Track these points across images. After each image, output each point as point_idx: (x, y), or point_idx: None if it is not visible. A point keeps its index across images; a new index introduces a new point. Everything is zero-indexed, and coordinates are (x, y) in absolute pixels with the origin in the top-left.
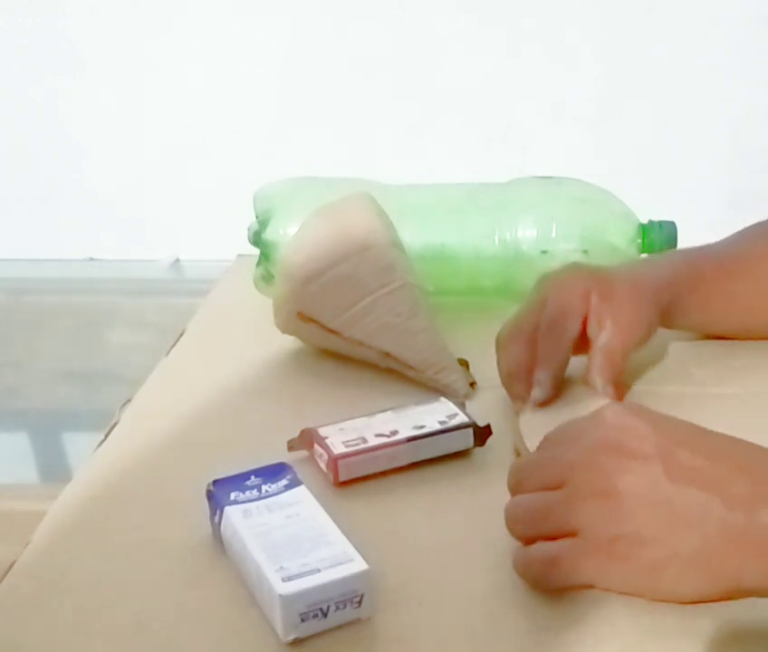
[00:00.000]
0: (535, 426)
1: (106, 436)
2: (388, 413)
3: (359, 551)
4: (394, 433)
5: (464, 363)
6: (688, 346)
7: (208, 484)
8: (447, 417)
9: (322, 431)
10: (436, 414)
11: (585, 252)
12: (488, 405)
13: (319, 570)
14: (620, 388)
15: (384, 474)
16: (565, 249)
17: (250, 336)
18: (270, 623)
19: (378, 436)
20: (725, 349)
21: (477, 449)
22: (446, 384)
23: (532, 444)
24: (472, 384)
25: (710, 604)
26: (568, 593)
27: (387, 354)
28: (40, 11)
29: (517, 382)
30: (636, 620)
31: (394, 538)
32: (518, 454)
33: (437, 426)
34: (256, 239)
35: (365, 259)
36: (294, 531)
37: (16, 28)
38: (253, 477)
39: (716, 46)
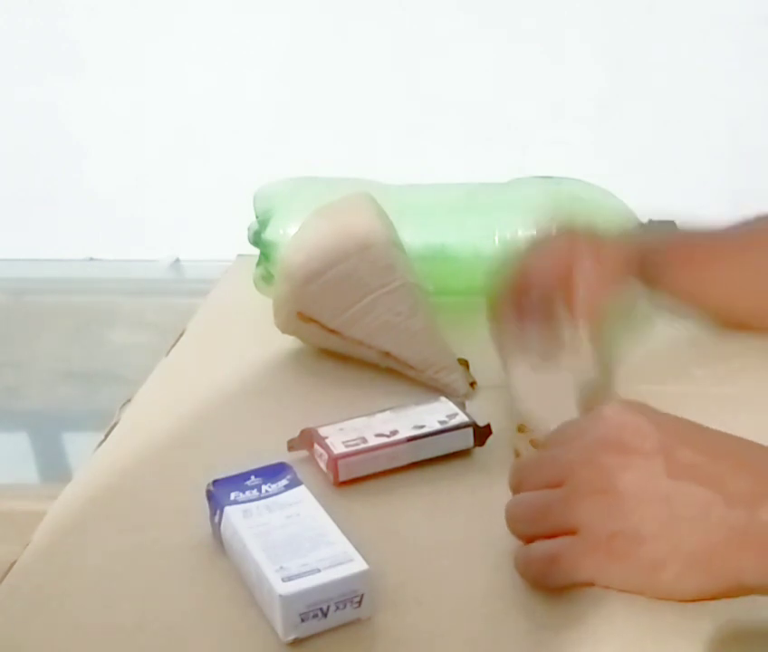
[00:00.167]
0: (527, 387)
1: (106, 436)
2: (388, 413)
3: (359, 551)
4: (394, 433)
5: (464, 363)
6: (688, 346)
7: (208, 484)
8: (447, 416)
9: (322, 431)
10: (436, 414)
11: None
12: (488, 405)
13: (319, 570)
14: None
15: (384, 474)
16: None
17: (250, 336)
18: (270, 623)
19: (378, 435)
20: (725, 349)
21: (477, 449)
22: (445, 383)
23: (525, 404)
24: (472, 384)
25: (710, 603)
26: (568, 592)
27: (387, 354)
28: (40, 11)
29: (508, 344)
30: (635, 619)
31: (394, 538)
32: (517, 454)
33: (437, 426)
34: (256, 239)
35: (365, 259)
36: (294, 531)
37: (16, 28)
38: (253, 477)
39: (716, 46)
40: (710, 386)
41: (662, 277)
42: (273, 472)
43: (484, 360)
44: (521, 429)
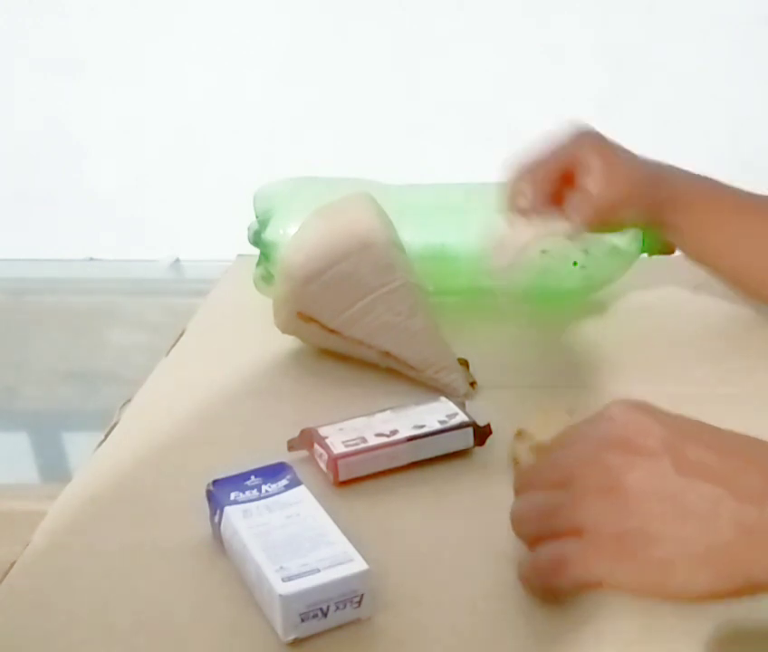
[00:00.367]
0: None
1: (106, 436)
2: (388, 413)
3: (359, 551)
4: (394, 432)
5: (464, 363)
6: (688, 346)
7: (208, 484)
8: (447, 416)
9: (322, 431)
10: (435, 413)
11: (585, 252)
12: (488, 405)
13: (319, 570)
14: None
15: (384, 473)
16: (565, 249)
17: (250, 336)
18: (270, 623)
19: (377, 435)
20: (726, 349)
21: (477, 449)
22: (445, 383)
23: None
24: (472, 384)
25: (710, 604)
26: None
27: (387, 354)
28: (40, 11)
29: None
30: (636, 620)
31: (394, 538)
32: (516, 462)
33: (437, 426)
34: (256, 239)
35: (365, 258)
36: (294, 531)
37: (16, 28)
38: (253, 477)
39: (716, 46)
40: (710, 386)
41: (674, 217)
42: (273, 472)
43: (484, 360)
44: (519, 435)
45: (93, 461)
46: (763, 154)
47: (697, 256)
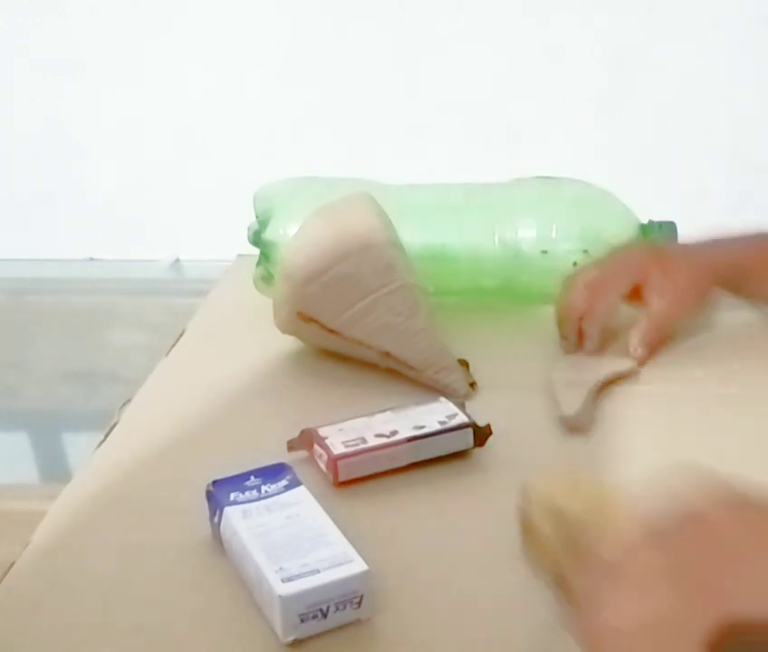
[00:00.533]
0: (565, 380)
1: (106, 436)
2: (388, 413)
3: (358, 552)
4: (394, 433)
5: (464, 363)
6: (688, 347)
7: (208, 485)
8: (447, 417)
9: (322, 431)
10: (435, 414)
11: (585, 252)
12: (488, 405)
13: (318, 571)
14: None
15: (384, 474)
16: (565, 249)
17: (250, 336)
18: (270, 624)
19: (377, 436)
20: (726, 349)
21: (477, 449)
22: (445, 384)
23: (558, 387)
24: (472, 384)
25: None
26: None
27: (387, 354)
28: (40, 11)
29: (566, 324)
30: None
31: (394, 538)
32: (532, 533)
33: (437, 427)
34: (256, 239)
35: (365, 259)
36: (294, 531)
37: (16, 28)
38: (252, 478)
39: (716, 46)
40: (710, 386)
41: (749, 284)
42: (272, 472)
43: (484, 360)
44: (532, 497)
45: (93, 461)
46: (763, 154)
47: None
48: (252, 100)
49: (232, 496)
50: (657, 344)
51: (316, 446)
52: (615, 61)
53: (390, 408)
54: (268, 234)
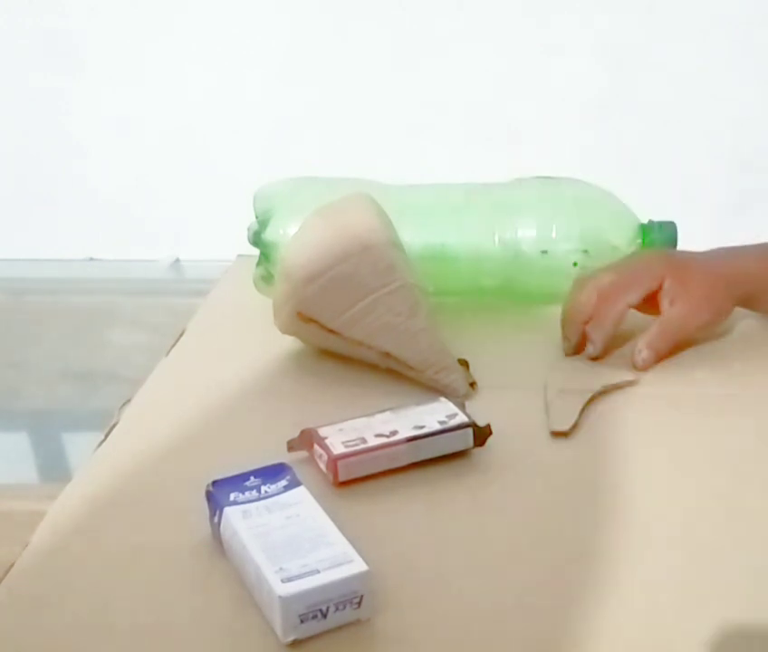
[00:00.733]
0: (559, 386)
1: (106, 436)
2: (388, 413)
3: (358, 552)
4: (394, 433)
5: (464, 363)
6: (689, 347)
7: (208, 485)
8: (447, 416)
9: (322, 431)
10: (435, 414)
11: (585, 252)
12: (488, 405)
13: (318, 571)
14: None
15: (384, 474)
16: (565, 249)
17: (250, 336)
18: (269, 624)
19: (377, 436)
20: (726, 350)
21: (477, 449)
22: (445, 384)
23: (551, 394)
24: (472, 384)
25: (710, 603)
26: (568, 592)
27: (387, 354)
28: (40, 11)
29: (571, 326)
30: (636, 620)
31: (394, 538)
32: None
33: (437, 427)
34: (256, 239)
35: (365, 259)
36: (294, 531)
37: (17, 28)
38: (252, 478)
39: (716, 46)
40: (710, 387)
41: (753, 304)
42: (272, 472)
43: (484, 360)
44: None
45: (93, 461)
46: (763, 154)
47: None
48: (252, 100)
49: (232, 496)
50: (665, 351)
51: (316, 446)
52: (615, 61)
53: (390, 408)
54: (268, 235)
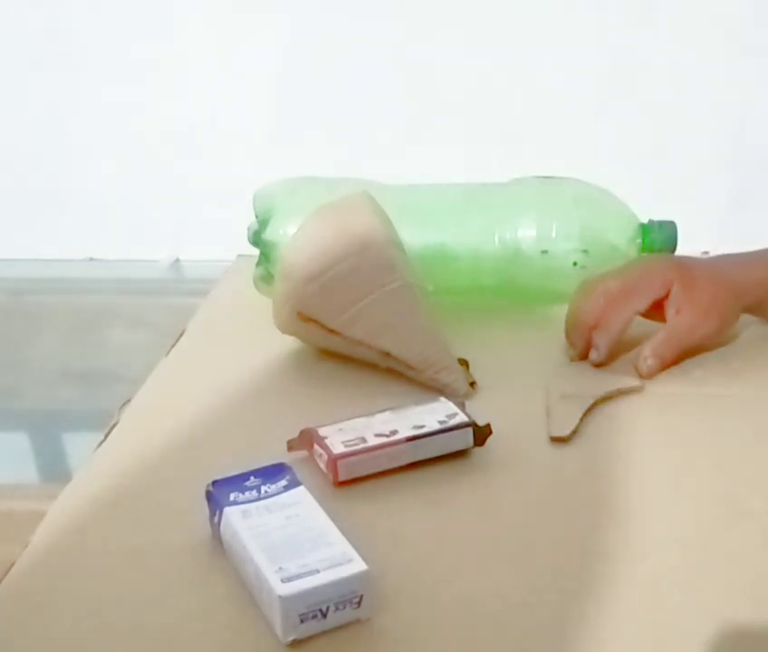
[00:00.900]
0: (561, 392)
1: (106, 436)
2: (388, 413)
3: (358, 552)
4: (394, 433)
5: (464, 363)
6: None
7: (208, 485)
8: (447, 416)
9: (322, 431)
10: (435, 414)
11: (585, 251)
12: (488, 405)
13: (318, 571)
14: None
15: (384, 474)
16: (565, 249)
17: (250, 336)
18: (269, 624)
19: (377, 435)
20: (725, 349)
21: (477, 449)
22: (445, 383)
23: (552, 399)
24: (472, 384)
25: (710, 602)
26: (567, 592)
27: (387, 354)
28: (41, 10)
29: (576, 332)
30: (636, 619)
31: (394, 538)
32: None
33: (437, 426)
34: (256, 239)
35: (365, 259)
36: (294, 531)
37: (17, 27)
38: (252, 478)
39: (716, 46)
40: (710, 386)
41: (760, 312)
42: (272, 472)
43: (484, 360)
44: None
45: (93, 461)
46: (763, 154)
47: None
48: (252, 101)
49: (232, 496)
50: (670, 359)
51: (316, 446)
52: (615, 61)
53: (390, 408)
54: (268, 234)
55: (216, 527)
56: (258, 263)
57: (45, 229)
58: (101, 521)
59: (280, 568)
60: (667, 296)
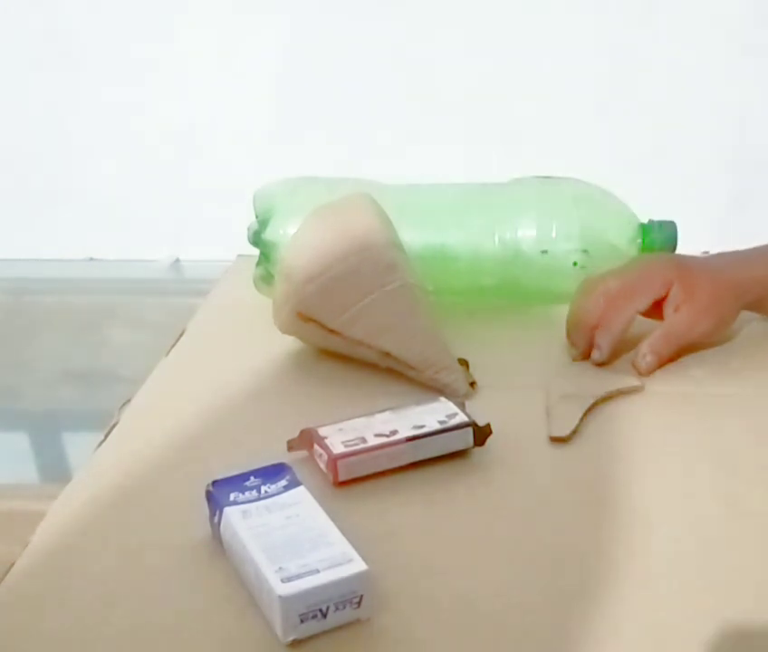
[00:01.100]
0: (561, 392)
1: (106, 436)
2: (388, 413)
3: (358, 552)
4: (394, 433)
5: (464, 363)
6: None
7: (208, 485)
8: (447, 416)
9: (322, 431)
10: (435, 414)
11: (585, 251)
12: (488, 405)
13: (318, 571)
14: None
15: (384, 474)
16: (565, 249)
17: (250, 336)
18: (269, 624)
19: (377, 435)
20: (725, 349)
21: (477, 449)
22: (445, 383)
23: (552, 399)
24: (472, 384)
25: (710, 602)
26: (567, 592)
27: (387, 354)
28: (41, 10)
29: (577, 331)
30: (636, 620)
31: (394, 538)
32: None
33: (437, 426)
34: (256, 239)
35: (365, 259)
36: (294, 531)
37: (17, 27)
38: (252, 478)
39: (716, 46)
40: (710, 386)
41: (760, 308)
42: (272, 472)
43: (484, 360)
44: None
45: (93, 461)
46: (763, 154)
47: None
48: (252, 101)
49: (232, 496)
50: (668, 356)
51: (316, 446)
52: (615, 61)
53: (390, 408)
54: (268, 234)
55: (216, 527)
56: (258, 263)
57: (45, 229)
58: (101, 521)
59: (280, 568)
60: (667, 295)
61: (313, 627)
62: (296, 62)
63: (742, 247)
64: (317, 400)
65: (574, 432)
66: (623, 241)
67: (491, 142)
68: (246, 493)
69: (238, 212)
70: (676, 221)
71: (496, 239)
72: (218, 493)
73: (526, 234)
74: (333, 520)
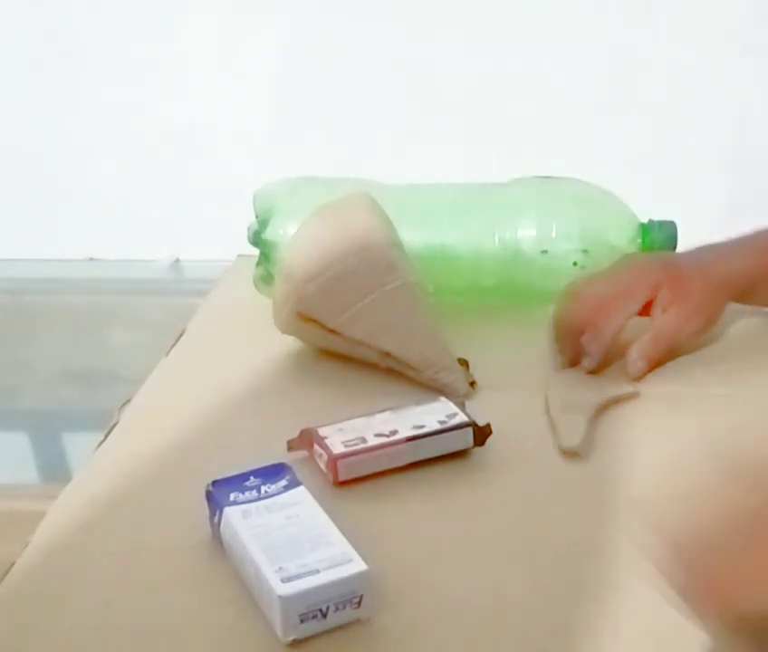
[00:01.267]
0: (561, 402)
1: (106, 436)
2: (388, 413)
3: (358, 552)
4: (394, 433)
5: (464, 363)
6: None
7: (208, 485)
8: (447, 416)
9: (322, 431)
10: (435, 413)
11: (585, 252)
12: (488, 405)
13: (318, 571)
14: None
15: (384, 474)
16: (565, 249)
17: (250, 336)
18: (269, 624)
19: (377, 435)
20: (725, 349)
21: (477, 449)
22: (445, 383)
23: (554, 410)
24: (472, 384)
25: None
26: (567, 591)
27: (387, 354)
28: (41, 10)
29: (564, 338)
30: (636, 620)
31: (394, 538)
32: None
33: (437, 426)
34: (256, 239)
35: (365, 258)
36: (294, 531)
37: (17, 27)
38: (252, 478)
39: (716, 46)
40: (710, 386)
41: (762, 291)
42: (272, 472)
43: (484, 360)
44: None
45: (93, 461)
46: (763, 154)
47: None
48: (252, 100)
49: (232, 496)
50: (658, 359)
51: (316, 446)
52: (615, 61)
53: (390, 408)
54: (268, 234)
55: (215, 527)
56: (258, 263)
57: (45, 229)
58: (101, 521)
59: (280, 568)
60: (655, 297)
61: (313, 627)
62: (296, 63)
63: None
64: (317, 400)
65: (585, 444)
66: (623, 241)
67: (491, 142)
68: (246, 494)
69: (238, 212)
70: (676, 221)
71: (496, 239)
72: (218, 494)
73: (526, 234)
74: (333, 520)
